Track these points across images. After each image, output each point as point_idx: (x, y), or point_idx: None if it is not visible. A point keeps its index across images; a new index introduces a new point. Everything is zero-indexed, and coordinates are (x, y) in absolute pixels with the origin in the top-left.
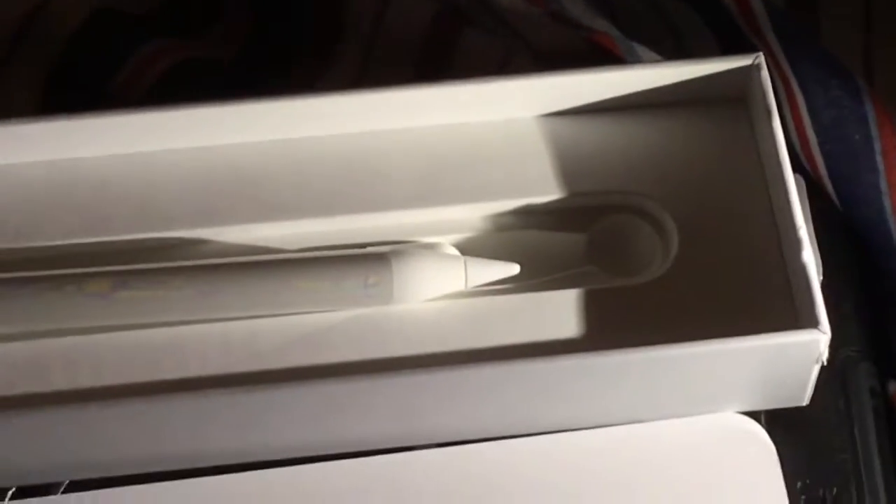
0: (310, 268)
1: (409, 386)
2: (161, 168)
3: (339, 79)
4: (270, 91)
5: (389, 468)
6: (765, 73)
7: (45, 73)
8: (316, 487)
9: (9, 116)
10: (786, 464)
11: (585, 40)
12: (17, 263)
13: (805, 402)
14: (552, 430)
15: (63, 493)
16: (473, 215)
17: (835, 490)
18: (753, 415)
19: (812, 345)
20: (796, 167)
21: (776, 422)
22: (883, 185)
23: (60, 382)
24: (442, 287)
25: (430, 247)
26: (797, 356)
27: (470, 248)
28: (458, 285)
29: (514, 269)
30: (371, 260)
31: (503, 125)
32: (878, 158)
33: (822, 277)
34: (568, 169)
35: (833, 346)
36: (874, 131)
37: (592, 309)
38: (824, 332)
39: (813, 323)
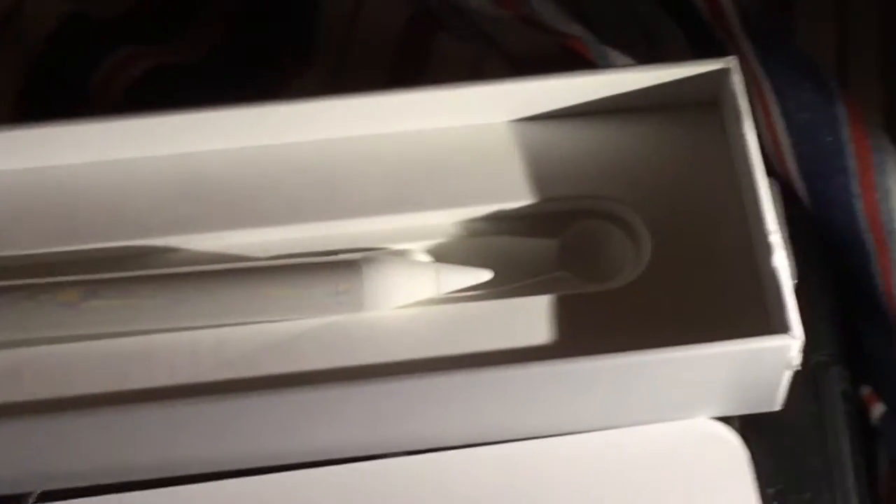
0: (280, 276)
1: (380, 394)
2: (132, 176)
3: (313, 83)
4: (243, 97)
5: (361, 476)
6: (737, 77)
7: (18, 81)
8: (287, 496)
9: None
10: (759, 469)
11: (558, 45)
12: None
13: (778, 406)
14: (524, 437)
15: None
16: (445, 221)
17: (808, 495)
18: (727, 420)
19: (784, 350)
20: (770, 171)
21: (750, 427)
22: (855, 187)
23: (30, 392)
24: (413, 294)
25: (402, 253)
26: (769, 361)
27: (442, 255)
28: (430, 292)
29: (485, 275)
30: (341, 267)
31: (475, 130)
32: (850, 161)
33: (795, 281)
34: (540, 174)
35: (806, 351)
36: (846, 134)
37: (565, 315)
38: (796, 338)
39: (784, 328)
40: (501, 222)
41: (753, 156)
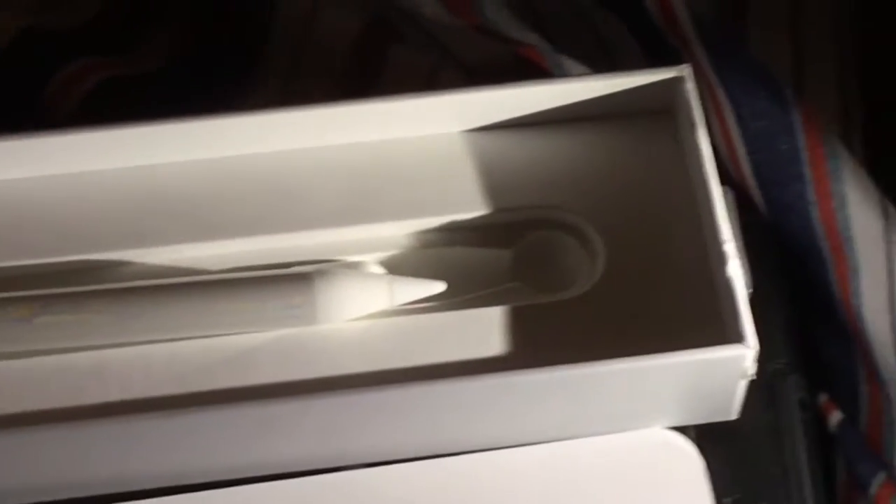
0: (233, 289)
1: (335, 406)
2: (85, 189)
3: (266, 92)
4: (197, 107)
5: (318, 489)
6: (691, 85)
7: None
8: None
9: None
10: (716, 478)
11: (513, 54)
12: None
13: (734, 416)
14: (480, 448)
15: None
16: (398, 233)
17: None
18: (683, 430)
19: (738, 360)
20: (725, 179)
21: (706, 436)
22: (810, 194)
23: None
24: (367, 306)
25: (355, 266)
26: (724, 371)
27: (395, 266)
28: (384, 304)
29: (439, 286)
30: (294, 280)
31: (428, 141)
32: (806, 168)
33: (750, 290)
34: (494, 184)
35: (762, 359)
36: (802, 141)
37: (519, 325)
38: (750, 347)
39: (739, 338)
40: (455, 233)
41: (707, 164)
